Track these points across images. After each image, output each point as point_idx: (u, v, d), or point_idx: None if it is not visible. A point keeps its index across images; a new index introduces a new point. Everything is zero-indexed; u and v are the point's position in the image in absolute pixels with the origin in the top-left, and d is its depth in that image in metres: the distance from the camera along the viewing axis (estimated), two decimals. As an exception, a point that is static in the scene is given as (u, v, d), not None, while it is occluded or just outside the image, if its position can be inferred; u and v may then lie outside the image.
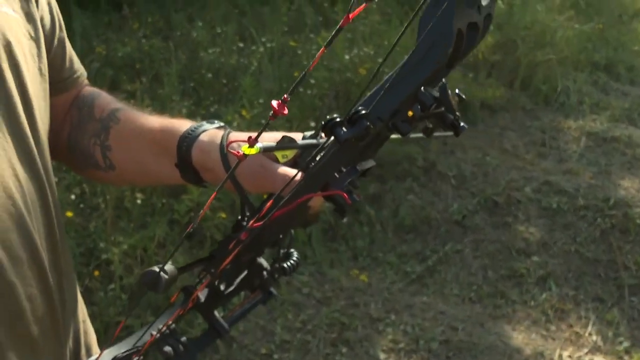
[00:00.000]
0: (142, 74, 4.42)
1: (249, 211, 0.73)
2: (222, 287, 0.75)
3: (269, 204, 0.64)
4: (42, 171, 0.70)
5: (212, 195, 0.63)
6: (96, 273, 2.59)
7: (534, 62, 5.02)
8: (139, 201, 2.79)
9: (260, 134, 0.55)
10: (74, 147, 0.84)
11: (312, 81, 4.03)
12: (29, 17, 0.74)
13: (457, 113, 0.68)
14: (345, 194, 0.63)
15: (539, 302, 3.03)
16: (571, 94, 4.85)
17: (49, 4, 0.80)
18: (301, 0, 5.87)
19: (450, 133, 0.69)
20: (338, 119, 0.59)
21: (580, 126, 4.47)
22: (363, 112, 0.60)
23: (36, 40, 0.74)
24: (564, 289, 3.10)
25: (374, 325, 2.79)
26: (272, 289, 0.83)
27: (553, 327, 2.91)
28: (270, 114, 0.55)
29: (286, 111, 0.55)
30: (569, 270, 3.18)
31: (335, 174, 0.63)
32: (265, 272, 0.82)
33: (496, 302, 3.00)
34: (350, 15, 0.61)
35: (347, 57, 4.21)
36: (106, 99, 0.87)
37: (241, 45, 4.85)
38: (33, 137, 0.69)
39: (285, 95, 0.54)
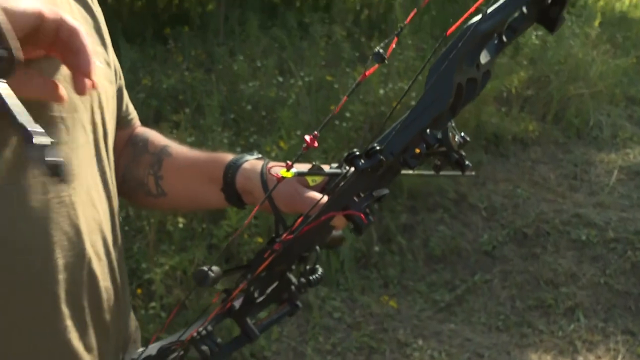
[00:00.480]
0: (185, 105, 4.64)
1: (282, 227, 0.86)
2: (255, 295, 0.88)
3: (299, 220, 0.78)
4: (112, 193, 0.85)
5: (255, 209, 0.78)
6: (139, 291, 2.75)
7: (566, 96, 5.09)
8: (180, 225, 2.95)
9: (294, 162, 0.70)
10: (128, 177, 0.99)
11: (348, 114, 4.17)
12: (108, 65, 0.89)
13: (462, 152, 0.79)
14: (362, 215, 0.74)
15: (567, 332, 3.07)
16: (604, 127, 4.90)
17: (108, 39, 0.96)
18: (338, 36, 6.06)
19: (458, 173, 0.81)
20: (357, 153, 0.73)
21: (612, 159, 4.51)
22: (378, 147, 0.73)
23: (112, 83, 0.89)
24: (593, 320, 3.13)
25: (402, 350, 2.87)
26: (298, 302, 0.95)
27: (581, 358, 2.95)
28: (304, 146, 0.70)
29: (317, 144, 0.70)
30: (597, 302, 3.22)
31: (355, 198, 0.76)
32: (292, 287, 0.94)
33: (523, 332, 3.05)
34: (367, 72, 0.75)
35: (381, 91, 4.35)
36: (158, 137, 1.02)
37: (280, 79, 5.04)
38: (109, 167, 0.84)
39: (316, 132, 0.68)
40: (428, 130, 0.74)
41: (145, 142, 1.00)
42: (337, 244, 0.99)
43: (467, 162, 0.79)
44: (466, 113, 4.58)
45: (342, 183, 0.78)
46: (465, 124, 4.52)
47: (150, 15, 7.45)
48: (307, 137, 0.70)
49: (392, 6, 6.37)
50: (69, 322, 0.74)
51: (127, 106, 1.01)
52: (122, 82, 0.99)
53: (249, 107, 4.64)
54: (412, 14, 0.74)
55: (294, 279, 0.94)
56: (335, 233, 0.92)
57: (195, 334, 0.84)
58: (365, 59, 5.38)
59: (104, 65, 0.87)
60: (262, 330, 0.91)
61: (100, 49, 0.89)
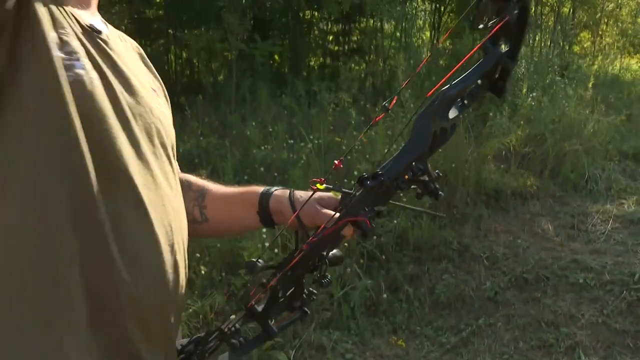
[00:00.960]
0: (200, 167, 4.92)
1: (306, 236, 1.11)
2: (279, 294, 1.12)
3: (320, 229, 1.04)
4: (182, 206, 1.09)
5: (290, 220, 1.04)
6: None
7: (562, 153, 5.37)
8: (202, 272, 3.19)
9: (325, 180, 0.99)
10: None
11: (355, 172, 4.45)
12: (168, 103, 1.16)
13: (437, 185, 1.05)
14: (367, 220, 1.00)
15: (568, 371, 3.23)
16: (599, 180, 5.15)
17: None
18: (345, 102, 6.42)
19: (443, 215, 1.09)
20: (366, 175, 1.00)
21: (608, 210, 4.74)
22: (380, 172, 1.00)
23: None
24: (593, 358, 3.28)
25: (411, 388, 3.04)
26: (307, 309, 1.16)
27: (582, 394, 3.10)
28: (333, 167, 1.00)
29: (341, 165, 0.99)
30: (597, 341, 3.38)
31: (361, 211, 1.02)
32: (304, 295, 1.18)
33: (526, 370, 3.22)
34: (375, 119, 1.03)
35: (386, 150, 4.64)
36: (197, 179, 1.27)
37: (291, 142, 5.34)
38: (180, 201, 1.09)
39: (341, 158, 0.97)
40: (414, 163, 1.01)
41: (189, 182, 1.24)
42: (338, 262, 1.24)
43: (440, 192, 1.05)
44: (466, 171, 4.86)
45: (353, 200, 1.04)
46: (465, 181, 4.79)
47: (166, 84, 7.88)
48: (336, 161, 1.01)
49: (395, 74, 6.75)
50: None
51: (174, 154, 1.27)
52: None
53: (262, 169, 4.92)
54: (409, 78, 1.05)
55: (305, 289, 1.16)
56: (337, 253, 1.18)
57: (226, 330, 1.08)
58: (370, 121, 5.71)
59: (168, 113, 1.12)
60: (280, 330, 1.13)
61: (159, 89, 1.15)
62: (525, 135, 5.61)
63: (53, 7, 0.84)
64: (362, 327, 3.43)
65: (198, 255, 3.37)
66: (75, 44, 0.86)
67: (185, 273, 1.05)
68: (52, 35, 0.82)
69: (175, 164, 1.13)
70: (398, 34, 9.01)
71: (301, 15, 8.85)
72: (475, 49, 1.06)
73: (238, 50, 6.92)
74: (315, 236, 1.04)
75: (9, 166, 0.79)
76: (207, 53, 7.60)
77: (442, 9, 9.70)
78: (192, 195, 1.23)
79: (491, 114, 5.83)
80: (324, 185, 1.07)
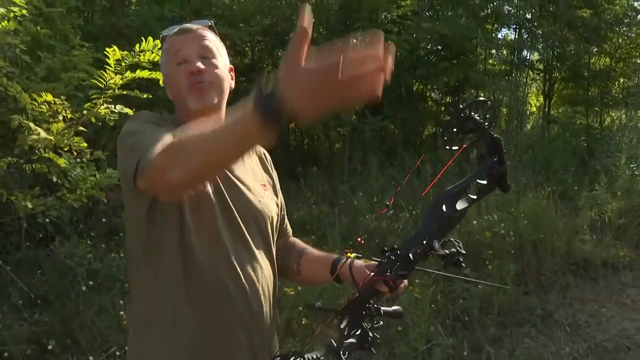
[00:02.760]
0: (311, 233, 5.56)
1: (356, 288, 1.62)
2: (345, 332, 1.51)
3: (361, 283, 1.57)
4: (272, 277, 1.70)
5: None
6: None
7: (658, 224, 5.51)
8: (303, 323, 3.78)
9: (353, 251, 1.56)
10: (283, 263, 1.80)
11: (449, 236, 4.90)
12: (276, 192, 1.78)
13: (460, 258, 1.45)
14: (390, 279, 1.45)
15: None
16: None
17: (277, 182, 1.83)
18: (451, 175, 6.88)
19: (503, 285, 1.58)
20: (387, 248, 1.51)
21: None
22: (396, 247, 1.48)
23: (278, 209, 1.77)
24: None
25: None
26: (373, 349, 1.55)
27: None
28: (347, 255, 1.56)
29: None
30: (669, 411, 3.58)
31: (387, 274, 1.51)
32: (369, 337, 1.55)
33: None
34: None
35: (474, 222, 5.07)
36: (301, 243, 1.87)
37: (391, 212, 5.88)
38: (270, 260, 1.70)
39: (352, 249, 1.54)
40: (424, 242, 1.43)
41: (294, 244, 1.87)
42: (397, 316, 1.71)
43: (463, 264, 1.45)
44: (557, 241, 5.16)
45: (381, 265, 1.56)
46: (555, 250, 5.09)
47: (285, 155, 8.75)
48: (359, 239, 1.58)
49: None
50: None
51: (286, 224, 1.88)
52: (284, 207, 1.86)
53: (365, 236, 5.48)
54: (435, 178, 1.59)
55: (370, 333, 1.55)
56: (397, 308, 1.68)
57: (307, 357, 1.61)
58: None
59: (273, 200, 1.73)
60: None
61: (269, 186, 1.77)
62: (621, 206, 5.79)
63: None
64: (443, 384, 3.85)
65: (300, 308, 3.98)
66: None
67: (270, 310, 1.64)
68: None
69: (286, 230, 1.86)
70: (505, 102, 9.34)
71: (412, 88, 9.49)
72: (450, 161, 1.57)
73: (350, 125, 7.65)
74: (356, 288, 1.58)
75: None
76: (323, 127, 8.38)
77: (554, 77, 9.96)
78: (294, 255, 1.84)
79: (586, 185, 6.08)
80: (354, 254, 1.62)
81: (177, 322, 1.53)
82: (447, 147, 1.48)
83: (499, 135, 1.61)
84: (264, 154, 1.81)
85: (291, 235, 1.92)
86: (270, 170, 1.81)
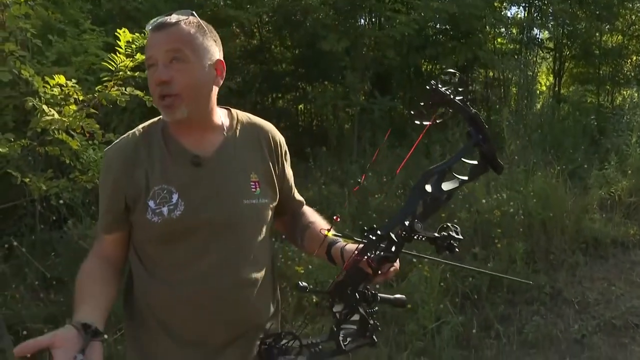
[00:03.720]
0: (321, 213, 5.55)
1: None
2: (339, 317, 1.56)
3: (348, 261, 1.58)
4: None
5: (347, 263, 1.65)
6: None
7: (667, 203, 5.50)
8: (314, 300, 3.84)
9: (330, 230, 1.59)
10: (290, 233, 1.89)
11: (456, 220, 4.93)
12: (273, 191, 1.76)
13: (453, 242, 1.49)
14: (371, 261, 1.46)
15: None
16: None
17: (283, 163, 1.84)
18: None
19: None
20: (367, 229, 1.51)
21: None
22: (376, 228, 1.47)
23: (276, 194, 1.77)
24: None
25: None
26: (375, 337, 1.61)
27: None
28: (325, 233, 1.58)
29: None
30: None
31: (369, 254, 1.49)
32: (370, 325, 1.60)
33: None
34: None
35: (483, 201, 5.09)
36: (308, 217, 1.88)
37: (400, 191, 5.90)
38: (266, 254, 1.74)
39: (330, 227, 1.57)
40: (406, 222, 1.45)
41: (301, 217, 1.89)
42: (400, 305, 1.71)
43: (456, 249, 1.49)
44: (566, 219, 5.17)
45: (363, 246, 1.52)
46: (564, 229, 5.10)
47: (294, 136, 8.76)
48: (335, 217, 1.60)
49: (501, 130, 7.07)
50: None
51: (294, 198, 1.90)
52: (292, 185, 1.88)
53: (374, 215, 5.52)
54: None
55: (370, 320, 1.59)
56: (401, 297, 1.69)
57: (308, 341, 1.63)
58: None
59: (269, 199, 1.74)
60: (349, 350, 1.58)
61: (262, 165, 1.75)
62: (631, 185, 5.78)
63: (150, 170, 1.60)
64: (452, 359, 3.89)
65: (311, 287, 4.02)
66: (166, 189, 1.58)
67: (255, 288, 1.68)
68: (147, 195, 1.58)
69: (295, 203, 1.91)
70: (514, 82, 9.28)
71: (421, 68, 9.45)
72: (420, 137, 1.56)
73: (359, 105, 7.64)
74: (342, 269, 1.54)
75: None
76: (332, 107, 8.37)
77: (564, 55, 9.87)
78: (299, 228, 1.87)
79: (596, 164, 6.07)
80: (332, 232, 1.63)
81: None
82: (417, 122, 1.46)
83: (508, 114, 1.62)
84: (270, 134, 1.79)
85: (303, 205, 1.94)
86: (273, 152, 1.78)
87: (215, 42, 1.62)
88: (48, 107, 2.86)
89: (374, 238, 1.46)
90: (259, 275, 1.69)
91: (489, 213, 5.05)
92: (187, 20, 1.56)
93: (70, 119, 2.92)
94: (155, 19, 1.56)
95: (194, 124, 1.62)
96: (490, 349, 4.02)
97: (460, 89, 1.47)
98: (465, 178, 1.52)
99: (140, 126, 1.67)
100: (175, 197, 1.58)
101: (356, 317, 1.58)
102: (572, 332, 4.14)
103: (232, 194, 1.64)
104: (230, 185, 1.64)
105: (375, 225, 1.47)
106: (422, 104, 1.46)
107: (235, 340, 1.66)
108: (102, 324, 1.47)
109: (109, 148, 1.67)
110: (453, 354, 3.92)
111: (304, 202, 1.96)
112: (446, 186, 1.49)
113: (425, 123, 1.44)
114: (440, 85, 1.46)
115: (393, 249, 1.48)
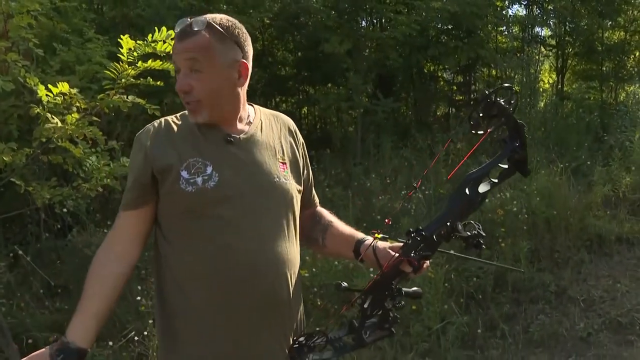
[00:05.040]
0: (328, 216, 5.60)
1: (380, 269, 1.63)
2: (368, 312, 1.62)
3: (385, 265, 1.60)
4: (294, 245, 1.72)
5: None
6: None
7: (672, 199, 5.49)
8: (318, 303, 3.84)
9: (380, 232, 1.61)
10: (309, 236, 1.86)
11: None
12: (298, 167, 1.78)
13: (480, 240, 1.56)
14: (414, 260, 1.55)
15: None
16: None
17: (305, 156, 1.86)
18: (463, 153, 6.86)
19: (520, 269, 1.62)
20: (412, 230, 1.55)
21: None
22: (421, 228, 1.55)
23: (301, 182, 1.77)
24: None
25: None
26: (393, 329, 1.68)
27: None
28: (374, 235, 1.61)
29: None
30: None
31: (411, 254, 1.57)
32: (390, 317, 1.67)
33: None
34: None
35: (487, 200, 5.08)
36: (327, 215, 1.90)
37: (404, 192, 5.90)
38: (292, 238, 1.72)
39: (379, 230, 1.58)
40: (448, 223, 1.53)
41: (320, 216, 1.90)
42: (417, 296, 1.73)
43: (483, 245, 1.57)
44: (570, 217, 5.16)
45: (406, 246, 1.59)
46: (568, 227, 5.10)
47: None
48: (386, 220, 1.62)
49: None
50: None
51: (313, 195, 1.92)
52: (311, 179, 1.90)
53: (378, 217, 5.53)
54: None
55: (391, 313, 1.66)
56: (417, 289, 1.71)
57: (330, 336, 1.66)
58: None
59: (293, 181, 1.73)
60: (370, 342, 1.66)
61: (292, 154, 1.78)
62: (635, 181, 5.77)
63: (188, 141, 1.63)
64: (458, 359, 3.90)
65: (315, 290, 4.05)
66: (200, 161, 1.60)
67: (293, 288, 1.69)
68: (181, 166, 1.60)
69: (314, 201, 1.92)
70: (517, 80, 9.27)
71: (424, 69, 9.45)
72: (476, 145, 1.61)
73: (362, 107, 7.66)
74: (382, 269, 1.61)
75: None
76: (335, 110, 8.39)
77: (567, 52, 9.85)
78: (319, 227, 1.88)
79: (600, 161, 6.07)
80: (381, 235, 1.68)
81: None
82: (473, 132, 1.56)
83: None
84: (290, 125, 1.85)
85: (318, 205, 1.95)
86: (297, 142, 1.83)
87: (238, 43, 1.65)
88: (51, 115, 2.89)
89: (418, 239, 1.54)
90: (292, 256, 1.70)
91: (493, 212, 5.06)
92: (206, 29, 1.60)
93: (73, 127, 2.95)
94: (180, 22, 1.63)
95: (220, 121, 1.67)
96: (496, 349, 4.02)
97: (511, 101, 1.56)
98: (496, 181, 1.61)
99: (170, 116, 1.73)
100: (209, 169, 1.60)
101: (380, 311, 1.65)
102: (577, 330, 4.14)
103: (264, 170, 1.67)
104: (261, 163, 1.67)
105: (420, 227, 1.55)
106: (481, 115, 1.55)
107: (269, 327, 1.65)
108: (94, 335, 1.57)
109: (139, 133, 1.69)
110: (458, 354, 3.93)
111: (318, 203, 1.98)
112: (482, 188, 1.57)
113: (479, 132, 1.54)
114: (497, 98, 1.54)
115: (431, 248, 1.58)
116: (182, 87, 1.59)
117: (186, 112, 1.69)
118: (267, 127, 1.76)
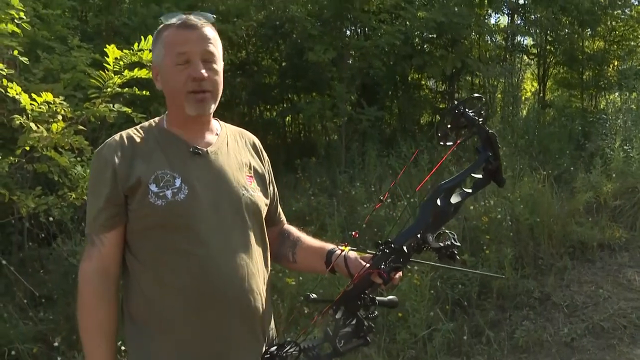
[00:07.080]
0: (310, 224, 5.61)
1: (351, 278, 1.66)
2: (341, 322, 1.60)
3: (355, 276, 1.61)
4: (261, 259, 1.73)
5: (361, 273, 1.67)
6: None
7: (653, 205, 5.56)
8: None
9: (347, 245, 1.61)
10: (278, 252, 1.87)
11: (443, 228, 4.96)
12: (265, 182, 1.79)
13: (454, 250, 1.53)
14: (383, 272, 1.53)
15: (639, 414, 3.52)
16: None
17: (270, 173, 1.86)
18: (447, 161, 6.90)
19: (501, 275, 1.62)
20: (381, 242, 1.55)
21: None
22: (390, 240, 1.54)
23: (268, 197, 1.79)
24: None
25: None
26: (369, 338, 1.65)
27: None
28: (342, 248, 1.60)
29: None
30: (668, 389, 3.65)
31: (381, 266, 1.56)
32: (365, 327, 1.64)
33: (595, 410, 3.55)
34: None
35: (471, 207, 5.13)
36: (295, 232, 1.91)
37: (389, 200, 5.92)
38: (262, 248, 1.74)
39: (346, 243, 1.59)
40: (419, 235, 1.53)
41: (288, 233, 1.91)
42: (392, 305, 1.71)
43: (457, 257, 1.53)
44: (553, 224, 5.22)
45: (375, 258, 1.60)
46: (551, 234, 5.15)
47: (283, 147, 8.79)
48: (353, 232, 1.63)
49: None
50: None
51: (279, 212, 1.93)
52: (277, 196, 1.91)
53: (364, 226, 5.53)
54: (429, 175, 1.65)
55: (366, 322, 1.63)
56: (393, 298, 1.70)
57: (302, 346, 1.66)
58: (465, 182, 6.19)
59: (262, 193, 1.75)
60: (345, 351, 1.62)
61: (260, 167, 1.79)
62: (615, 188, 5.85)
63: (155, 155, 1.61)
64: (444, 366, 3.92)
65: (302, 298, 4.04)
66: (169, 174, 1.59)
67: (263, 297, 1.70)
68: (149, 179, 1.58)
69: (280, 218, 1.92)
70: (500, 88, 9.36)
71: (408, 77, 9.52)
72: (443, 157, 1.61)
73: (346, 115, 7.69)
74: (352, 280, 1.60)
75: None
76: (319, 118, 8.42)
77: (548, 61, 9.98)
78: (288, 244, 1.89)
79: (582, 168, 6.13)
80: (348, 247, 1.68)
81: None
82: (442, 143, 1.56)
83: (495, 121, 1.68)
84: (255, 142, 1.86)
85: (285, 222, 1.96)
86: (262, 158, 1.84)
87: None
88: (36, 124, 2.88)
89: (387, 251, 1.52)
90: (261, 266, 1.71)
91: (477, 219, 5.10)
92: (213, 24, 1.67)
93: (59, 136, 2.94)
94: (175, 14, 1.67)
95: (205, 121, 1.69)
96: (482, 355, 4.04)
97: (482, 112, 1.55)
98: (470, 191, 1.60)
99: (130, 129, 1.70)
100: (178, 181, 1.59)
101: (353, 320, 1.62)
102: (561, 335, 4.18)
103: (231, 182, 1.67)
104: (229, 175, 1.68)
105: (389, 239, 1.52)
106: (449, 125, 1.54)
107: (241, 338, 1.66)
108: None
109: (99, 149, 1.65)
110: (444, 361, 3.95)
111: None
112: (454, 199, 1.57)
113: (449, 144, 1.54)
114: (466, 109, 1.53)
115: (402, 260, 1.55)
116: (199, 74, 1.59)
117: (145, 124, 1.70)
118: (232, 142, 1.77)
